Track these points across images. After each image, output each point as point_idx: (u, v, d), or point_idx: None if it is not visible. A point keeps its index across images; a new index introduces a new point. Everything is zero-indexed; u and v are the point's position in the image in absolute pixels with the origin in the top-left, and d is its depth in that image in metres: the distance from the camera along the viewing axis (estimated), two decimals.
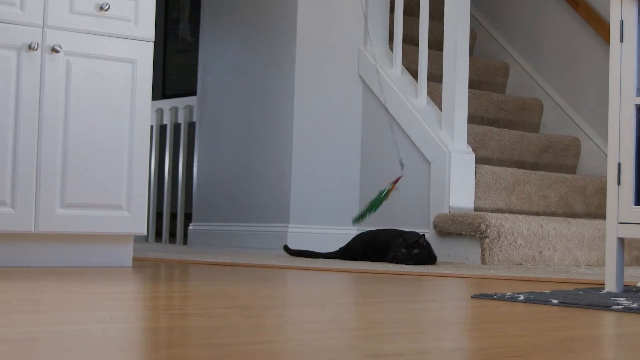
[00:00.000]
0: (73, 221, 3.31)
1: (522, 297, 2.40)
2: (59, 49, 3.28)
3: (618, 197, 2.70)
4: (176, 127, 6.51)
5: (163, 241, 6.40)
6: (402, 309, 2.23)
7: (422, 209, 4.54)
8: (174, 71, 7.62)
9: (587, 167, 5.41)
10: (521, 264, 4.27)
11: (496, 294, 2.51)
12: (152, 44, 3.49)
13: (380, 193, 3.28)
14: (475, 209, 4.53)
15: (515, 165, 5.07)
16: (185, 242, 6.13)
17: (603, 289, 2.74)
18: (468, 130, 4.80)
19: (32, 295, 2.32)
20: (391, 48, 5.01)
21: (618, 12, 2.74)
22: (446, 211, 4.46)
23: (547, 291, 2.66)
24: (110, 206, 3.38)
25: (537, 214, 4.73)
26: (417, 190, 4.62)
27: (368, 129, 4.94)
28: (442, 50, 4.83)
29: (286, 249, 4.54)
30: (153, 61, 3.50)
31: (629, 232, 2.68)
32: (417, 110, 4.70)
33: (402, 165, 3.86)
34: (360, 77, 4.98)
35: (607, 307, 2.23)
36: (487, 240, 4.19)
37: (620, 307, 2.22)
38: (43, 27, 3.28)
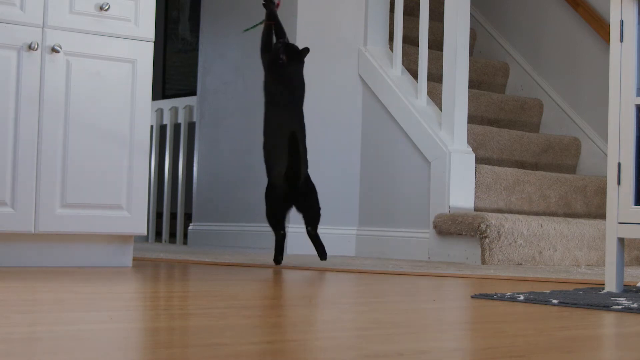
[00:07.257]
0: (73, 221, 3.31)
1: (522, 297, 2.40)
2: (59, 49, 3.28)
3: (618, 197, 2.70)
4: (176, 127, 6.51)
5: (163, 241, 6.40)
6: (402, 309, 2.22)
7: (422, 209, 4.54)
8: (174, 71, 7.62)
9: (587, 167, 5.41)
10: (521, 264, 4.27)
11: (496, 294, 2.50)
12: (152, 44, 3.49)
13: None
14: (475, 209, 4.53)
15: (515, 165, 5.07)
16: (185, 242, 6.13)
17: (603, 289, 2.74)
18: (468, 130, 4.80)
19: (32, 295, 2.32)
20: (391, 48, 5.01)
21: (618, 12, 2.74)
22: (446, 211, 4.46)
23: (547, 291, 2.66)
24: (110, 206, 3.38)
25: (537, 214, 4.73)
26: (417, 190, 4.62)
27: (368, 129, 4.94)
28: (442, 50, 4.82)
29: None
30: (153, 61, 3.50)
31: (629, 232, 2.68)
32: (417, 110, 4.70)
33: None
34: (360, 77, 4.98)
35: (607, 307, 2.23)
36: (487, 240, 4.18)
37: (620, 307, 2.21)
38: (43, 27, 3.28)
